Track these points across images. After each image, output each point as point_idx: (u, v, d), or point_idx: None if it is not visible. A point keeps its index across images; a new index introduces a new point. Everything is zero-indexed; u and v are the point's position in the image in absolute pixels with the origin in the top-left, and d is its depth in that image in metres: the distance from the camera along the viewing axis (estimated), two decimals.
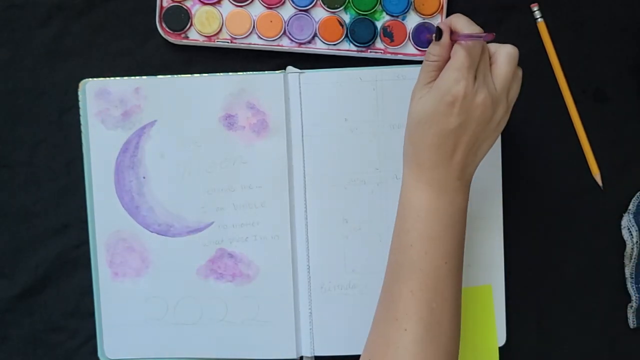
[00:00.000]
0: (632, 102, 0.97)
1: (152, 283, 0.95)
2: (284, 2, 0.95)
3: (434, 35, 0.81)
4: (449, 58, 0.80)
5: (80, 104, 0.94)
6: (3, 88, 0.95)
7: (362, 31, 0.95)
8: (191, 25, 0.95)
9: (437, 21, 0.95)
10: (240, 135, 0.94)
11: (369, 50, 0.96)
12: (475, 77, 0.80)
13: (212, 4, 0.95)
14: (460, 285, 0.86)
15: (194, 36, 0.95)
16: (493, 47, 0.81)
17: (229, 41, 0.95)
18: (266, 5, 0.95)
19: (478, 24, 0.95)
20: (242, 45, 0.95)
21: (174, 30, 0.95)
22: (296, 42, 0.95)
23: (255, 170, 0.93)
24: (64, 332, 0.96)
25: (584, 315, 0.98)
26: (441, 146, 0.80)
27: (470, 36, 0.79)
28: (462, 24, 0.80)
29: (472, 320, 0.95)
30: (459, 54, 0.79)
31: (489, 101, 0.79)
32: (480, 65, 0.80)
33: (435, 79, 0.80)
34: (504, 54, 0.81)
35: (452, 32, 0.81)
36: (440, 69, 0.80)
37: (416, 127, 0.82)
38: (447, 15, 0.95)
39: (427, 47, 0.93)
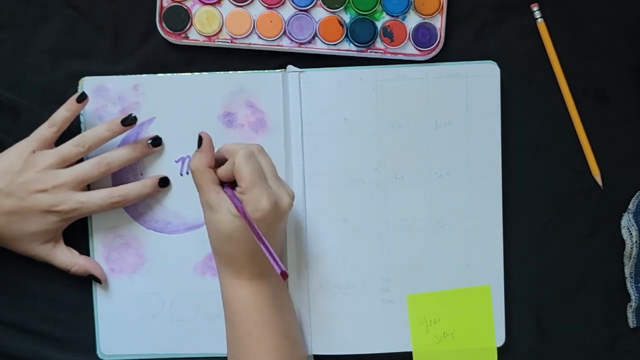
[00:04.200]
0: (632, 102, 0.97)
1: (148, 280, 0.95)
2: (284, 2, 0.95)
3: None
4: (214, 164, 0.89)
5: None
6: (5, 84, 0.95)
7: (362, 31, 0.95)
8: (191, 25, 0.95)
9: (437, 21, 0.95)
10: (239, 133, 0.94)
11: (369, 50, 0.96)
12: (268, 183, 0.87)
13: (212, 4, 0.95)
14: (302, 353, 0.93)
15: (194, 36, 0.95)
16: (230, 158, 0.88)
17: (229, 41, 0.95)
18: (266, 5, 0.95)
19: (478, 24, 0.96)
20: (242, 45, 0.95)
21: (174, 30, 0.95)
22: (296, 42, 0.95)
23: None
24: (61, 328, 0.96)
25: (583, 315, 0.97)
26: (255, 250, 0.85)
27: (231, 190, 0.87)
28: (228, 145, 0.89)
29: (470, 320, 0.95)
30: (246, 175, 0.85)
31: (291, 201, 0.87)
32: (266, 173, 0.87)
33: (218, 185, 0.88)
34: (238, 164, 0.86)
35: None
36: (208, 172, 0.88)
37: (229, 238, 0.86)
38: (448, 15, 0.95)
39: (427, 48, 0.94)
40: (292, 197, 0.88)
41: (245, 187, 0.84)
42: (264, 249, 0.83)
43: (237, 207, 0.84)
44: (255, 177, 0.85)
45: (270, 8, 0.95)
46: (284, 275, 0.82)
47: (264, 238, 0.83)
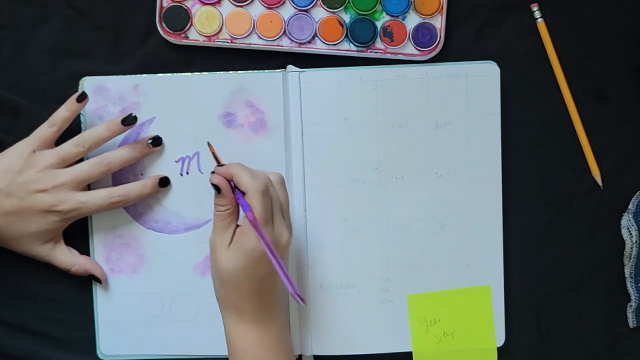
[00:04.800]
0: (632, 102, 0.97)
1: (148, 280, 0.95)
2: (284, 2, 0.95)
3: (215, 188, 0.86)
4: (237, 201, 0.85)
5: None
6: (5, 84, 0.95)
7: (362, 31, 0.95)
8: (191, 25, 0.95)
9: (437, 21, 0.95)
10: (239, 133, 0.94)
11: (369, 50, 0.96)
12: (273, 221, 0.84)
13: (212, 4, 0.95)
14: None
15: (194, 36, 0.95)
16: (267, 176, 0.86)
17: (229, 41, 0.95)
18: (266, 5, 0.95)
19: (478, 24, 0.96)
20: (242, 45, 0.95)
21: (174, 30, 0.95)
22: (296, 42, 0.95)
23: (254, 169, 0.93)
24: (61, 328, 0.96)
25: (583, 315, 0.97)
26: (258, 291, 0.85)
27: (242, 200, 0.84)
28: (246, 177, 0.84)
29: (470, 320, 0.95)
30: (255, 213, 0.82)
31: (290, 239, 0.85)
32: (274, 208, 0.85)
33: (231, 224, 0.85)
34: (276, 185, 0.86)
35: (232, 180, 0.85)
36: (233, 213, 0.85)
37: (230, 279, 0.84)
38: (448, 15, 0.95)
39: (427, 48, 0.94)
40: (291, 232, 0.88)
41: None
42: (278, 269, 0.82)
43: (246, 214, 0.83)
44: (288, 206, 0.87)
45: (270, 8, 0.95)
46: (300, 299, 0.81)
47: (277, 255, 0.82)
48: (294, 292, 0.81)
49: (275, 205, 0.85)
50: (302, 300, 0.82)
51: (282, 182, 0.88)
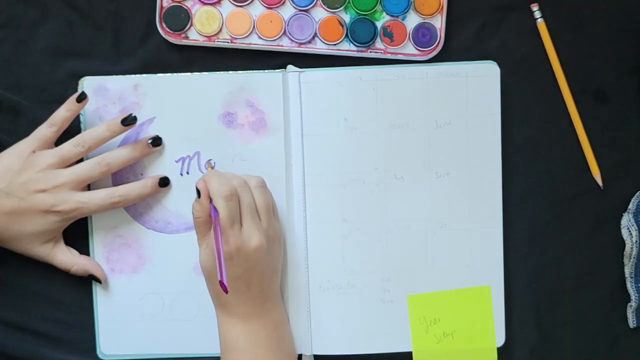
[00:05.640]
0: (632, 102, 0.97)
1: (148, 279, 0.95)
2: (284, 2, 0.95)
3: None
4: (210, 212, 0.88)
5: None
6: (5, 84, 0.95)
7: (362, 31, 0.95)
8: (191, 25, 0.95)
9: (437, 21, 0.95)
10: (239, 133, 0.94)
11: (369, 50, 0.96)
12: (242, 224, 0.87)
13: (212, 4, 0.95)
14: None
15: (194, 36, 0.95)
16: (243, 180, 0.89)
17: (229, 41, 0.95)
18: (266, 5, 0.95)
19: (478, 24, 0.96)
20: (242, 45, 0.95)
21: (174, 30, 0.95)
22: (296, 42, 0.95)
23: (254, 168, 0.93)
24: (61, 328, 0.96)
25: (583, 315, 0.97)
26: (236, 289, 0.87)
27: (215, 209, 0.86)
28: (213, 183, 0.87)
29: (470, 320, 0.95)
30: (219, 216, 0.86)
31: (263, 241, 0.87)
32: (243, 211, 0.87)
33: (209, 229, 0.88)
34: (254, 189, 0.89)
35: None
36: (206, 222, 0.88)
37: (209, 276, 0.89)
38: (448, 15, 0.95)
39: (427, 48, 0.95)
40: (272, 236, 0.90)
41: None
42: (216, 252, 0.84)
43: (212, 214, 0.86)
44: (269, 213, 0.89)
45: (270, 8, 0.95)
46: (223, 287, 0.82)
47: (220, 245, 0.84)
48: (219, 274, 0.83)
49: (245, 209, 0.87)
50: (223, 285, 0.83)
51: (262, 185, 0.91)
